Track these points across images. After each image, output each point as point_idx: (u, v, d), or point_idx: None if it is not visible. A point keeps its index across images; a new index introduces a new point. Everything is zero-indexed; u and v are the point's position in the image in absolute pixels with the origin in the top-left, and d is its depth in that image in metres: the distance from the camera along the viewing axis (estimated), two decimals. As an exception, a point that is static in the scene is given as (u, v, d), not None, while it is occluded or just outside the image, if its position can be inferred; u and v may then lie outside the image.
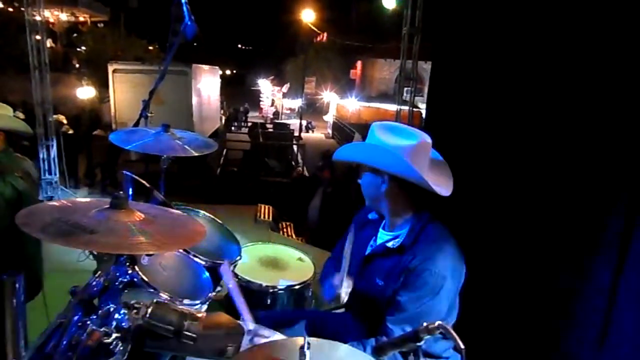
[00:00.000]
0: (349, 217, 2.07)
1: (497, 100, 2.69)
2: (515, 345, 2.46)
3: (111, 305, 1.46)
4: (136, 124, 2.66)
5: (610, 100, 2.07)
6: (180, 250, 2.04)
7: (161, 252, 1.89)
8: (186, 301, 1.76)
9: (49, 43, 12.13)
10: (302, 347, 1.22)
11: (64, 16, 28.70)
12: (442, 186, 1.77)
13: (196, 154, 2.32)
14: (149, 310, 1.28)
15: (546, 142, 2.39)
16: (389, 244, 1.86)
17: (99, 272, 1.46)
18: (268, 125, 26.00)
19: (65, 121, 11.54)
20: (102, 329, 1.34)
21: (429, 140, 1.82)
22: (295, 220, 8.33)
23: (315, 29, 34.32)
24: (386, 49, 30.04)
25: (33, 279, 2.60)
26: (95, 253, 1.45)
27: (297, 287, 2.58)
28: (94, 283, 1.49)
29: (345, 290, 1.85)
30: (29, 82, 9.74)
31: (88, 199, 1.46)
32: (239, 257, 2.34)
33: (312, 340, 1.26)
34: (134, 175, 2.08)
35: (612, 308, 2.00)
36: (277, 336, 1.70)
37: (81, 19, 30.69)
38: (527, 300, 2.45)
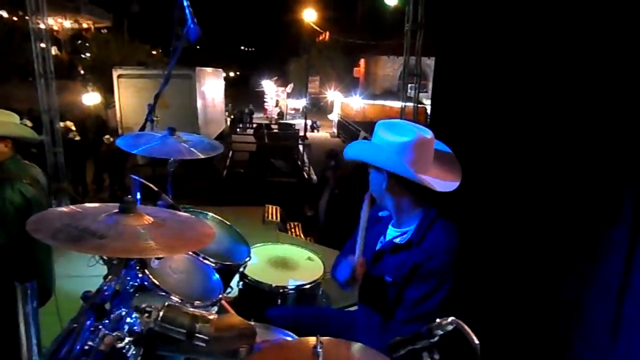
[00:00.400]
0: (355, 217, 2.06)
1: (502, 95, 2.68)
2: (522, 348, 2.45)
3: (123, 309, 1.47)
4: (142, 128, 2.66)
5: (617, 100, 2.05)
6: (190, 253, 2.05)
7: (171, 255, 1.90)
8: (197, 303, 1.76)
9: (53, 50, 12.20)
10: (315, 347, 1.22)
11: (67, 23, 28.89)
12: (447, 181, 1.77)
13: (203, 157, 2.32)
14: (161, 313, 1.28)
15: (551, 140, 2.37)
16: (397, 240, 1.86)
17: (110, 276, 1.47)
18: (273, 126, 25.99)
19: (73, 128, 11.63)
20: (114, 334, 1.34)
21: (429, 135, 1.81)
22: (303, 220, 8.34)
23: (318, 28, 34.28)
24: (389, 46, 29.99)
25: (44, 285, 2.62)
26: (105, 258, 1.46)
27: (307, 286, 2.58)
28: (105, 288, 1.50)
29: (360, 265, 1.84)
30: (34, 89, 9.81)
31: (97, 204, 1.46)
32: (248, 258, 2.34)
33: (325, 339, 1.26)
34: (142, 180, 2.09)
35: (621, 310, 1.99)
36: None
37: (84, 25, 30.88)
38: (533, 302, 2.44)
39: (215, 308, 1.92)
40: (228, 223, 2.52)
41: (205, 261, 2.08)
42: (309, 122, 28.72)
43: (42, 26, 9.74)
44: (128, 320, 1.41)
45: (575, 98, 2.24)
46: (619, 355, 1.97)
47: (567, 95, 2.29)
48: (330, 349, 1.27)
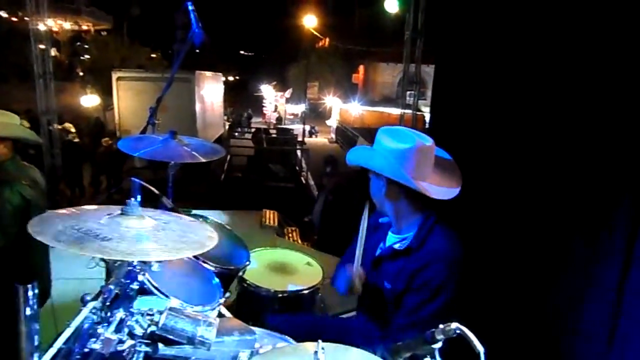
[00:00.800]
0: (350, 224, 2.07)
1: (501, 103, 2.69)
2: (521, 348, 2.44)
3: (123, 312, 1.46)
4: (143, 131, 2.66)
5: (614, 103, 2.07)
6: (190, 257, 2.04)
7: (173, 258, 1.89)
8: (199, 307, 1.75)
9: (53, 52, 12.20)
10: (315, 352, 1.22)
11: (67, 25, 28.91)
12: (446, 187, 1.78)
13: (204, 160, 2.32)
14: (163, 317, 1.28)
15: (550, 145, 2.38)
16: (396, 246, 1.87)
17: (111, 279, 1.46)
18: (271, 131, 25.99)
19: (73, 130, 11.61)
20: (115, 337, 1.34)
21: (429, 142, 1.82)
22: (300, 225, 8.32)
23: (317, 34, 34.37)
24: (389, 53, 30.09)
25: (41, 286, 2.60)
26: (107, 260, 1.45)
27: (305, 292, 2.57)
28: (105, 290, 1.49)
29: (359, 276, 1.85)
30: (32, 90, 9.81)
31: (98, 207, 1.46)
32: (248, 262, 2.33)
33: (325, 344, 1.26)
34: (142, 182, 2.08)
35: (619, 310, 1.99)
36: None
37: (84, 27, 30.91)
38: (532, 304, 2.44)
39: (216, 312, 1.91)
40: (228, 227, 2.52)
41: (205, 265, 2.07)
42: (307, 128, 28.75)
43: (41, 27, 9.77)
44: (129, 323, 1.40)
45: (574, 103, 2.26)
46: (618, 350, 1.97)
47: (565, 100, 2.31)
48: (330, 355, 1.27)
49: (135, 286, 1.57)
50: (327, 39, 38.44)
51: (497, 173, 2.66)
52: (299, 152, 19.08)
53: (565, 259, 2.30)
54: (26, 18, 9.98)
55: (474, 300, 1.87)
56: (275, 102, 36.44)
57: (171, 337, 1.28)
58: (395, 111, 17.21)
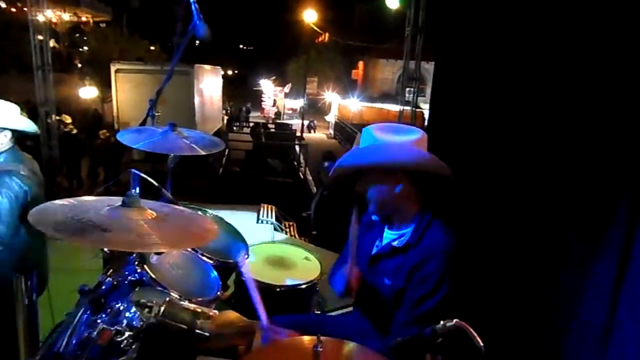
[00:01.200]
0: (345, 219, 2.04)
1: (501, 100, 2.69)
2: (517, 346, 2.45)
3: (121, 303, 1.46)
4: (143, 123, 2.65)
5: (613, 101, 2.07)
6: (189, 249, 2.04)
7: (173, 251, 1.89)
8: (196, 299, 1.75)
9: (52, 43, 12.15)
10: (314, 346, 1.22)
11: (66, 16, 28.75)
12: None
13: (204, 153, 2.31)
14: (162, 308, 1.28)
15: (548, 143, 2.38)
16: (395, 243, 1.85)
17: (110, 270, 1.46)
18: (270, 125, 25.98)
19: (68, 121, 11.58)
20: (113, 328, 1.34)
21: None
22: (298, 220, 8.33)
23: (317, 29, 34.27)
24: (388, 49, 30.05)
25: (38, 277, 2.60)
26: (107, 251, 1.45)
27: (303, 286, 2.58)
28: (103, 281, 1.49)
29: (355, 277, 1.84)
30: (31, 82, 9.78)
31: (99, 198, 1.45)
32: (246, 256, 2.33)
33: (324, 338, 1.26)
34: (142, 174, 2.08)
35: (615, 309, 2.00)
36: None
37: (84, 19, 30.75)
38: (529, 301, 2.45)
39: (213, 305, 1.91)
40: (227, 221, 2.51)
41: (204, 258, 2.07)
42: (306, 123, 28.74)
43: (40, 18, 9.73)
44: (127, 314, 1.40)
45: (573, 101, 2.26)
46: (614, 348, 1.98)
47: (565, 98, 2.31)
48: (329, 349, 1.27)
49: (133, 278, 1.58)
50: (327, 34, 38.36)
51: (495, 170, 2.66)
52: (297, 147, 19.08)
53: (562, 256, 2.31)
54: (25, 9, 9.94)
55: (471, 297, 1.87)
56: (274, 96, 36.41)
57: (170, 328, 1.28)
58: (395, 108, 17.23)
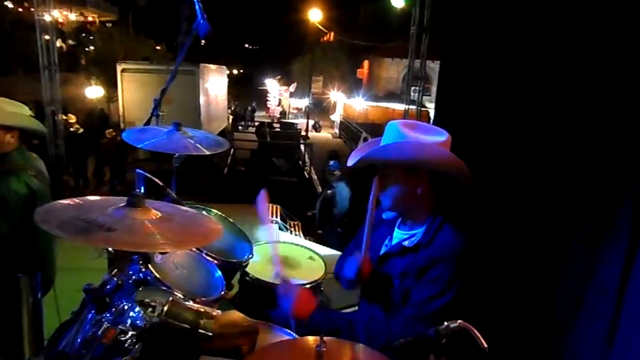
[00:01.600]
0: (350, 218, 2.04)
1: (507, 100, 2.68)
2: (521, 347, 2.45)
3: (125, 303, 1.46)
4: (147, 123, 2.66)
5: (617, 102, 2.06)
6: (193, 249, 2.04)
7: (178, 250, 1.90)
8: (200, 299, 1.75)
9: (58, 43, 12.21)
10: (317, 346, 1.22)
11: (72, 16, 28.93)
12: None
13: (208, 153, 2.31)
14: (165, 308, 1.28)
15: (553, 144, 2.38)
16: (405, 243, 1.84)
17: (115, 270, 1.47)
18: (275, 125, 26.01)
19: (72, 120, 11.63)
20: (117, 327, 1.34)
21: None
22: (303, 219, 8.34)
23: (323, 29, 34.26)
24: (394, 48, 29.97)
25: (45, 276, 2.63)
26: (112, 251, 1.46)
27: (308, 285, 2.57)
28: (108, 281, 1.49)
29: (367, 264, 1.82)
30: (38, 81, 9.83)
31: (104, 197, 1.46)
32: (251, 256, 2.33)
33: (327, 339, 1.26)
34: (146, 174, 2.08)
35: (620, 310, 1.99)
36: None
37: (90, 18, 30.91)
38: (532, 302, 2.44)
39: (218, 305, 1.91)
40: (231, 220, 2.51)
41: (208, 258, 2.07)
42: (311, 122, 28.74)
43: (47, 18, 9.79)
44: (131, 314, 1.41)
45: (578, 102, 2.25)
46: (619, 347, 1.97)
47: (571, 98, 2.30)
48: (332, 349, 1.27)
49: (138, 277, 1.58)
50: (332, 34, 38.33)
51: (500, 170, 2.65)
52: (302, 147, 19.07)
53: (565, 258, 2.30)
54: (32, 9, 10.00)
55: (476, 298, 1.86)
56: (279, 96, 36.42)
57: (173, 328, 1.28)
58: (400, 107, 17.21)
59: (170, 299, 1.35)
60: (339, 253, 2.39)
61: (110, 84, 18.08)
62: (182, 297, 1.70)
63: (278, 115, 34.08)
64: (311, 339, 1.31)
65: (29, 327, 1.33)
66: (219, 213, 2.47)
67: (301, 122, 28.15)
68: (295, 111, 36.75)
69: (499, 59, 2.74)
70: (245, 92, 40.80)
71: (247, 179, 13.07)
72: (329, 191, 7.79)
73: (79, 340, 1.41)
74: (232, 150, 16.23)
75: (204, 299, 1.80)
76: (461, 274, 1.68)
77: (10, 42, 18.98)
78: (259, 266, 2.61)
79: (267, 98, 36.79)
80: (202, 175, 12.24)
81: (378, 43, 32.14)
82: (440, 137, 1.77)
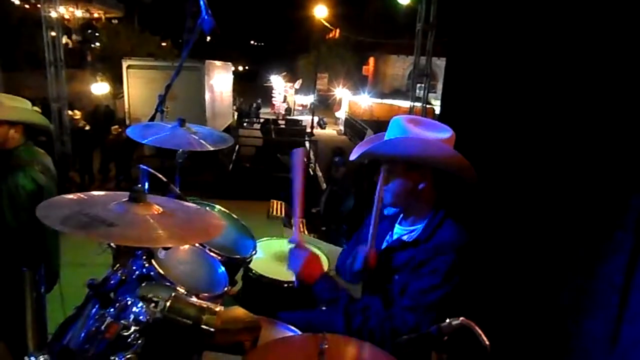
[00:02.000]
0: (354, 213, 2.03)
1: (513, 98, 2.66)
2: (527, 344, 2.44)
3: (128, 298, 1.47)
4: (152, 119, 2.66)
5: (624, 102, 2.04)
6: (196, 245, 2.04)
7: (180, 246, 1.90)
8: (203, 295, 1.75)
9: (64, 39, 12.25)
10: (320, 343, 1.22)
11: (79, 12, 29.02)
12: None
13: (212, 149, 2.31)
14: (168, 303, 1.28)
15: (561, 140, 2.36)
16: (404, 237, 1.85)
17: (117, 265, 1.47)
18: (280, 122, 26.03)
19: (77, 117, 11.66)
20: (120, 322, 1.34)
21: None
22: (307, 216, 8.34)
23: (328, 25, 34.18)
24: (399, 45, 29.90)
25: (51, 271, 2.64)
26: (114, 246, 1.46)
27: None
28: (111, 276, 1.49)
29: (372, 255, 1.82)
30: (44, 78, 9.87)
31: (106, 192, 1.46)
32: (254, 252, 2.33)
33: (330, 336, 1.26)
34: (150, 170, 2.09)
35: (624, 310, 1.97)
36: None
37: (96, 15, 30.99)
38: (538, 298, 2.43)
39: (221, 301, 1.91)
40: (235, 216, 2.51)
41: (212, 254, 2.07)
42: (316, 119, 28.73)
43: (53, 14, 9.81)
44: (134, 309, 1.40)
45: (585, 101, 2.23)
46: (624, 346, 1.96)
47: (577, 98, 2.28)
48: (335, 346, 1.27)
49: (140, 273, 1.58)
50: (338, 30, 38.26)
51: (505, 169, 2.63)
52: (307, 144, 19.07)
53: (568, 257, 2.29)
54: (38, 5, 10.03)
55: (478, 296, 1.86)
56: (284, 92, 36.43)
57: (176, 323, 1.28)
58: (405, 104, 17.18)
59: (173, 294, 1.34)
60: (342, 249, 2.39)
61: (116, 80, 18.12)
62: (185, 292, 1.70)
63: (283, 112, 34.08)
64: (315, 336, 1.31)
65: (32, 322, 1.33)
66: (223, 209, 2.47)
67: (306, 119, 28.14)
68: (301, 108, 36.75)
69: (505, 56, 2.72)
70: (250, 88, 40.82)
71: (251, 175, 13.09)
72: (334, 187, 7.81)
73: (82, 335, 1.41)
74: (237, 146, 16.23)
75: (207, 294, 1.80)
76: (460, 269, 1.68)
77: (16, 38, 19.07)
78: (262, 262, 2.61)
79: (273, 95, 36.81)
80: (207, 171, 12.26)
81: (384, 40, 32.06)
82: (444, 133, 1.77)
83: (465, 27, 3.15)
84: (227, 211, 2.49)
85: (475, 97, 2.94)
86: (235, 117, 25.24)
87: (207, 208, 2.29)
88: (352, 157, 1.93)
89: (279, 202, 7.69)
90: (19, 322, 1.39)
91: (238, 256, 2.25)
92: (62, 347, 1.42)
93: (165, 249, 1.72)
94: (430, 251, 1.72)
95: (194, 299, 1.45)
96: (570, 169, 2.29)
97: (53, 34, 9.73)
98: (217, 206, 2.46)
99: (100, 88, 20.27)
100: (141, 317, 1.36)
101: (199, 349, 1.42)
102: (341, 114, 33.03)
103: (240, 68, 45.65)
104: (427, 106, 9.75)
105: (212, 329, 1.29)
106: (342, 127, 30.80)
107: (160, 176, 2.10)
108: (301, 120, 26.90)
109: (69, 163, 10.53)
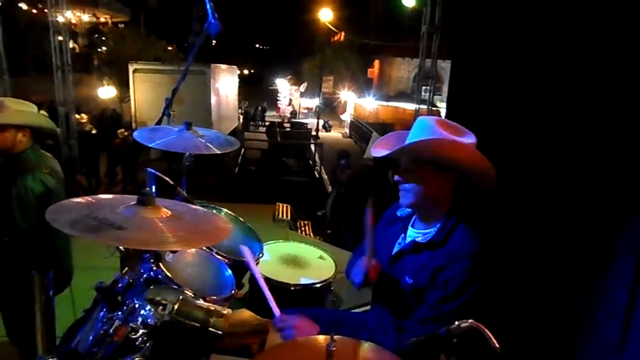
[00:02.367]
0: (361, 217, 2.01)
1: (519, 99, 2.65)
2: (534, 347, 2.42)
3: (136, 301, 1.47)
4: (159, 122, 2.68)
5: (633, 109, 2.03)
6: (204, 248, 2.05)
7: (188, 249, 1.90)
8: (210, 298, 1.76)
9: (71, 44, 12.33)
10: (328, 345, 1.21)
11: (85, 17, 29.22)
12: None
13: (218, 152, 2.32)
14: (176, 306, 1.28)
15: (568, 143, 2.34)
16: (418, 239, 1.83)
17: (126, 268, 1.48)
18: (286, 125, 26.04)
19: (83, 120, 11.72)
20: (128, 325, 1.35)
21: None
22: (313, 219, 8.34)
23: (333, 28, 34.22)
24: (404, 48, 29.86)
25: (63, 272, 2.66)
26: (123, 249, 1.46)
27: (317, 285, 2.57)
28: (120, 279, 1.50)
29: (373, 268, 1.81)
30: (51, 82, 9.94)
31: (114, 196, 1.47)
32: (261, 255, 2.34)
33: (338, 338, 1.25)
34: (157, 173, 2.09)
35: (633, 309, 1.96)
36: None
37: (102, 19, 31.20)
38: (546, 301, 2.41)
39: (228, 303, 1.92)
40: (242, 219, 2.52)
41: (219, 257, 2.08)
42: (322, 122, 28.74)
43: (60, 19, 9.89)
44: (142, 312, 1.41)
45: (592, 106, 2.22)
46: (631, 352, 1.94)
47: (583, 103, 2.26)
48: (342, 348, 1.26)
49: (148, 276, 1.59)
50: (343, 33, 38.26)
51: (511, 174, 2.62)
52: (312, 146, 19.07)
53: (579, 259, 2.27)
54: (46, 10, 10.11)
55: (488, 299, 1.85)
56: (289, 95, 36.46)
57: (184, 326, 1.29)
58: (410, 106, 17.14)
59: (181, 297, 1.35)
60: (350, 253, 2.39)
61: (123, 84, 18.21)
62: (193, 295, 1.70)
63: (288, 115, 34.12)
64: (321, 338, 1.31)
65: (41, 325, 1.34)
66: (230, 212, 2.47)
67: (311, 122, 28.15)
68: (306, 111, 36.73)
69: (511, 59, 2.71)
70: (256, 91, 40.92)
71: (257, 178, 13.11)
72: (341, 190, 7.79)
73: (90, 338, 1.41)
74: (242, 150, 16.27)
75: (214, 297, 1.80)
76: (476, 275, 1.67)
77: (24, 43, 19.20)
78: (269, 265, 2.62)
79: (278, 98, 36.85)
80: (213, 174, 12.29)
81: (389, 42, 32.03)
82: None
83: (471, 29, 3.14)
84: (234, 214, 2.50)
85: (480, 99, 2.93)
86: (241, 120, 25.30)
87: (214, 211, 2.30)
88: (377, 154, 1.87)
89: (285, 205, 7.69)
90: (29, 325, 1.39)
91: (245, 259, 2.25)
92: (70, 350, 1.43)
93: (173, 252, 1.73)
94: (444, 257, 1.70)
95: (201, 302, 1.46)
96: (577, 170, 2.27)
97: (60, 38, 9.80)
98: (224, 209, 2.47)
99: (106, 92, 20.38)
100: (149, 320, 1.37)
101: (206, 352, 1.43)
102: (346, 116, 33.02)
103: (246, 71, 45.74)
104: (433, 109, 9.73)
105: (219, 332, 1.29)
106: (347, 130, 30.77)
107: (168, 179, 2.11)
108: (306, 123, 26.92)
109: (76, 166, 10.58)
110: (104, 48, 26.31)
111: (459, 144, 1.73)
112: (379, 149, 1.89)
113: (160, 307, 1.33)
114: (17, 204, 2.38)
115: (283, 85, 38.16)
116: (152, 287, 1.63)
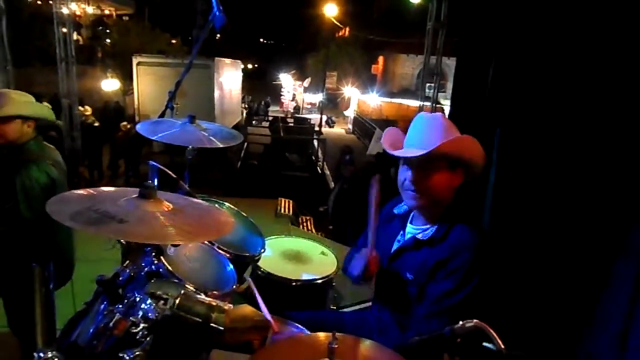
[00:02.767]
0: (364, 213, 1.98)
1: (524, 97, 2.63)
2: (536, 348, 2.41)
3: (137, 295, 1.46)
4: (162, 115, 2.66)
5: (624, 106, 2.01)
6: (205, 242, 2.04)
7: (190, 243, 1.89)
8: (212, 293, 1.75)
9: (75, 36, 12.32)
10: (329, 343, 1.20)
11: (90, 9, 29.19)
12: None
13: (222, 146, 2.30)
14: (177, 301, 1.27)
15: (574, 142, 2.33)
16: (419, 236, 1.82)
17: (127, 262, 1.46)
18: (289, 120, 26.03)
19: (87, 113, 11.73)
20: (129, 319, 1.34)
21: None
22: (315, 214, 8.33)
23: (338, 24, 34.13)
24: (409, 44, 29.75)
25: (65, 265, 2.66)
26: (124, 242, 1.45)
27: (319, 281, 2.56)
28: (121, 272, 1.49)
29: (374, 261, 1.80)
30: (55, 74, 9.94)
31: (116, 189, 1.45)
32: (263, 250, 2.33)
33: (340, 335, 1.24)
34: (160, 166, 2.08)
35: (635, 308, 1.95)
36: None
37: (106, 11, 31.16)
38: (549, 299, 2.41)
39: (230, 298, 1.91)
40: (244, 214, 2.51)
41: (220, 251, 2.06)
42: (325, 118, 28.71)
43: (65, 11, 9.88)
44: (143, 306, 1.40)
45: (598, 107, 2.20)
46: (634, 348, 1.93)
47: (590, 102, 2.25)
48: (344, 346, 1.25)
49: (149, 269, 1.58)
50: (347, 29, 38.15)
51: (516, 172, 2.61)
52: (315, 142, 19.06)
53: (581, 259, 2.26)
54: (50, 1, 10.10)
55: (492, 298, 1.84)
56: (293, 91, 36.43)
57: (185, 321, 1.28)
58: (414, 103, 17.14)
59: (182, 292, 1.34)
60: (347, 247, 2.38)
61: (126, 77, 18.23)
62: (194, 290, 1.69)
63: (292, 110, 34.10)
64: (323, 335, 1.30)
65: (41, 318, 1.33)
66: (232, 206, 2.46)
67: (315, 117, 28.13)
68: (309, 106, 36.70)
69: (516, 56, 2.70)
70: (259, 86, 40.87)
71: (260, 173, 13.11)
72: (344, 186, 7.78)
73: (91, 331, 1.41)
74: (245, 144, 16.27)
75: (215, 292, 1.79)
76: (478, 268, 1.66)
77: (28, 34, 19.17)
78: (270, 260, 2.61)
79: (281, 93, 36.82)
80: (216, 168, 12.30)
81: (393, 39, 31.90)
82: (457, 131, 1.80)
83: (476, 26, 3.13)
84: (236, 209, 2.49)
85: (485, 97, 2.91)
86: (244, 115, 25.28)
87: (216, 205, 2.29)
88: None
89: (287, 200, 7.68)
90: (30, 317, 1.39)
91: (247, 254, 2.24)
92: (70, 343, 1.42)
93: (175, 245, 1.72)
94: (446, 251, 1.70)
95: (203, 297, 1.45)
96: (583, 167, 2.26)
97: (64, 30, 9.79)
98: (227, 203, 2.46)
99: (110, 84, 20.39)
100: (150, 314, 1.35)
101: (207, 347, 1.42)
102: (350, 112, 32.97)
103: (250, 66, 45.69)
104: (437, 106, 9.70)
105: (221, 327, 1.28)
106: (350, 126, 30.73)
107: (170, 173, 2.10)
108: (310, 119, 26.89)
109: (79, 159, 10.59)
110: (108, 40, 26.32)
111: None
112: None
113: (162, 302, 1.32)
114: (22, 194, 2.38)
115: (287, 80, 38.12)
116: (153, 281, 1.62)
